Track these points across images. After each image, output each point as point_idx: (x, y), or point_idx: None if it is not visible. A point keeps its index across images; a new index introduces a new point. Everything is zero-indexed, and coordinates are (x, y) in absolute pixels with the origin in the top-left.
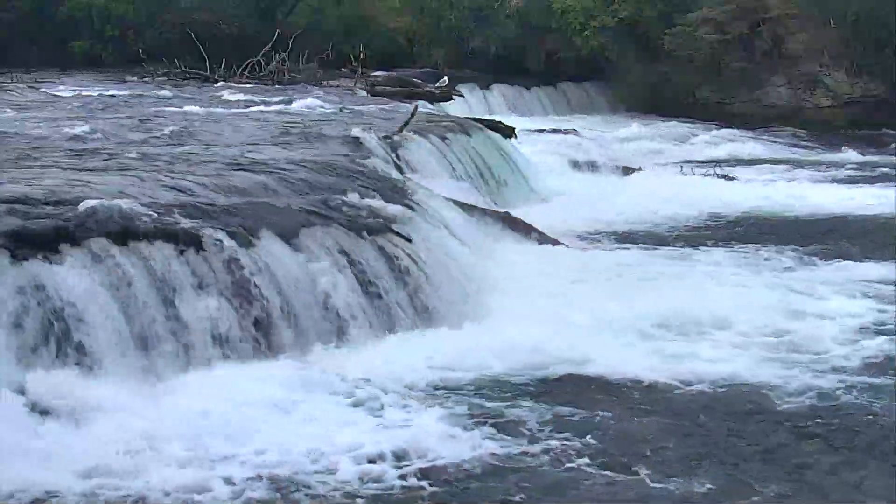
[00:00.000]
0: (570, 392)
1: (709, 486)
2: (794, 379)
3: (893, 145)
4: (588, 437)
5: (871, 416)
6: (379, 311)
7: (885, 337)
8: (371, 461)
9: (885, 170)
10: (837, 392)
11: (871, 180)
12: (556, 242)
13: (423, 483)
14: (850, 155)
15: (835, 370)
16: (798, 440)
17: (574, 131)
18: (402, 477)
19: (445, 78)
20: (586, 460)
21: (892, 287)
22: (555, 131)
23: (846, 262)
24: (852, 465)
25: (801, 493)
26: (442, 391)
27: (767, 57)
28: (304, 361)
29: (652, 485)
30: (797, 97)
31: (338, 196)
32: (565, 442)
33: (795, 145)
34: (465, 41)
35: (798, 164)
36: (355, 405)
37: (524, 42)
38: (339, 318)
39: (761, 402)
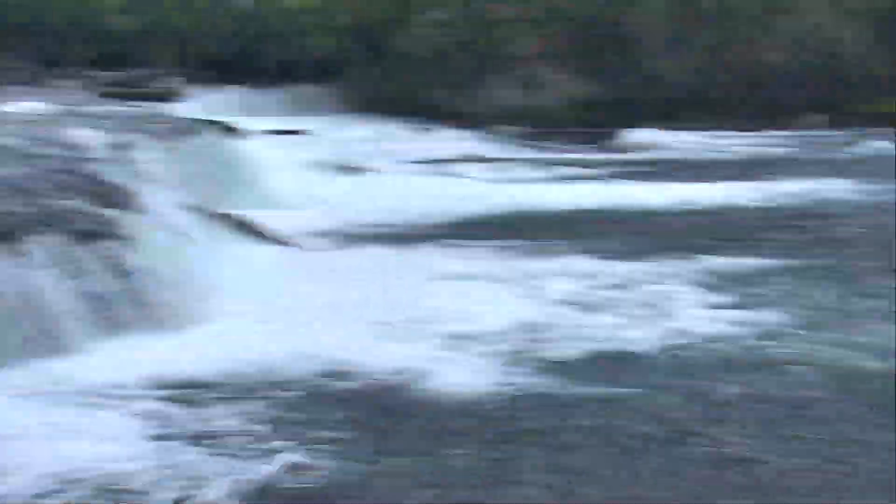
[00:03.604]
0: (297, 393)
1: None
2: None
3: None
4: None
5: None
6: (101, 317)
7: None
8: (89, 471)
9: (610, 169)
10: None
11: (592, 178)
12: (288, 243)
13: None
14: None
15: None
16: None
17: (307, 132)
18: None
19: (175, 79)
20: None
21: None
22: (288, 132)
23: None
24: None
25: None
26: (160, 394)
27: (495, 59)
28: (21, 371)
29: None
30: (524, 97)
31: (60, 202)
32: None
33: (521, 144)
34: (195, 42)
35: (523, 163)
36: (67, 414)
37: (257, 43)
38: (58, 325)
39: None
